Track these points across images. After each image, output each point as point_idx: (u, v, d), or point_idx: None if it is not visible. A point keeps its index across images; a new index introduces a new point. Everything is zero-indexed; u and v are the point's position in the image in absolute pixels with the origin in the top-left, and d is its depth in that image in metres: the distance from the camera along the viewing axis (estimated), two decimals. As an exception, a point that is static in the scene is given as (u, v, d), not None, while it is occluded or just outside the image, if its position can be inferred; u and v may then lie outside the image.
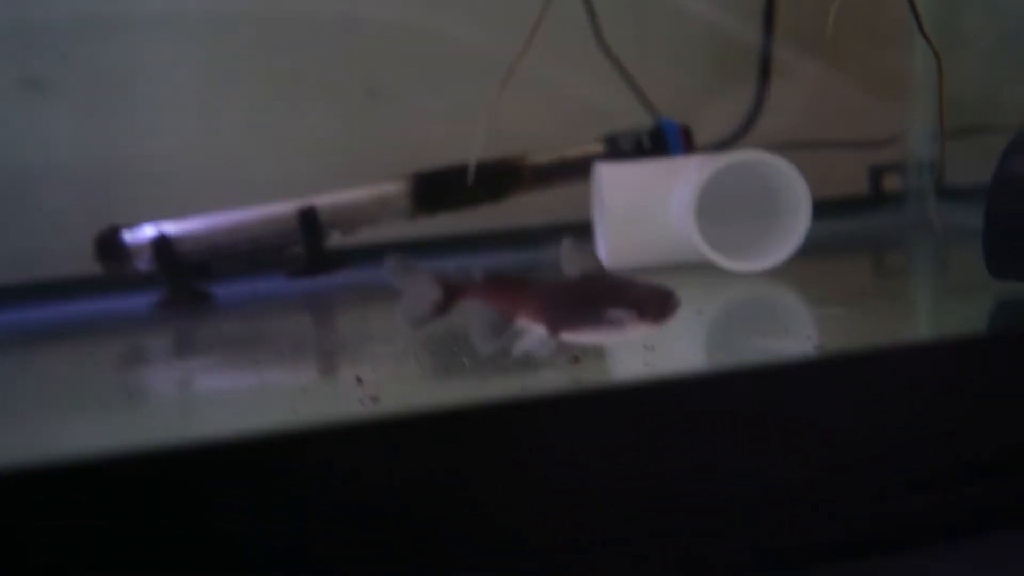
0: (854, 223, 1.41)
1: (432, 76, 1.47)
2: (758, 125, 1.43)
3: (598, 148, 1.34)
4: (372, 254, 1.39)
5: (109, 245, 1.22)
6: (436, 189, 1.32)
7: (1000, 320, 0.72)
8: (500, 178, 1.34)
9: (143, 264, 1.22)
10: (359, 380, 0.70)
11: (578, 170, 1.31)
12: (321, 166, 1.40)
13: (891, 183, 1.46)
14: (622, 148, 1.33)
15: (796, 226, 1.01)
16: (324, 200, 1.29)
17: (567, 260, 0.61)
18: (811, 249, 1.03)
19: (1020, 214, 0.67)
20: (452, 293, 0.60)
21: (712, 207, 1.05)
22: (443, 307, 0.60)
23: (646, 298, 0.57)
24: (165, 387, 0.80)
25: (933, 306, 0.90)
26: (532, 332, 0.60)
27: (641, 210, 1.13)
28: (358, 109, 1.47)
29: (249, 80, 1.44)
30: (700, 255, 1.02)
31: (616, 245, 1.14)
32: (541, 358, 0.60)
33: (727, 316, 0.90)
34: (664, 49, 1.52)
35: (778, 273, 1.02)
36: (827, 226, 1.11)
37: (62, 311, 1.27)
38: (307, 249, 1.27)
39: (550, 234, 1.41)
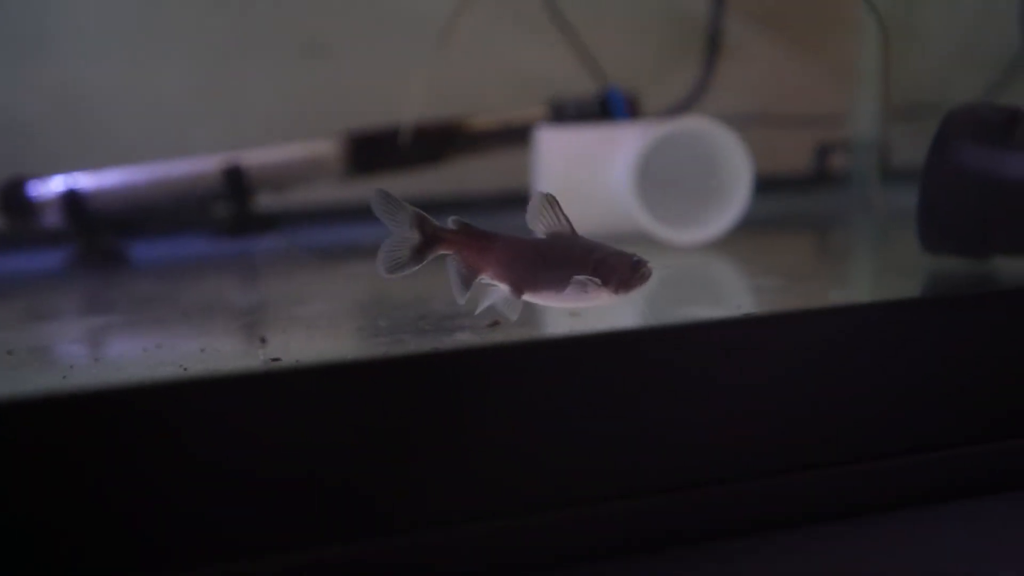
0: (798, 201, 1.40)
1: (372, 32, 1.40)
2: (706, 99, 1.40)
3: (540, 112, 1.29)
4: (304, 217, 1.35)
5: (13, 198, 1.14)
6: (371, 150, 1.27)
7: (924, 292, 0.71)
8: (439, 141, 1.29)
9: (52, 219, 1.14)
10: (263, 340, 0.66)
11: (521, 135, 1.26)
12: (255, 122, 1.33)
13: (836, 162, 1.45)
14: (567, 113, 1.30)
15: (736, 198, 0.98)
16: (252, 158, 1.22)
17: (533, 216, 0.57)
18: (753, 225, 1.01)
19: (951, 190, 0.66)
20: (430, 240, 0.56)
21: (653, 177, 1.01)
22: (420, 253, 0.56)
23: (613, 266, 0.55)
24: (53, 346, 0.75)
25: (867, 280, 0.89)
26: (497, 291, 0.58)
27: (580, 177, 1.09)
28: (294, 64, 1.40)
29: (182, 32, 1.36)
30: (639, 225, 0.99)
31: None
32: (506, 318, 0.57)
33: (661, 286, 0.87)
34: (616, 17, 1.48)
35: (717, 246, 0.99)
36: (771, 203, 1.09)
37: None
38: (233, 209, 1.21)
39: (495, 202, 1.39)
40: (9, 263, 1.20)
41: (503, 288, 0.58)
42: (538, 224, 0.58)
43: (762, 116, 1.37)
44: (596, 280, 0.54)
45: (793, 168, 1.45)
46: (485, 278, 0.58)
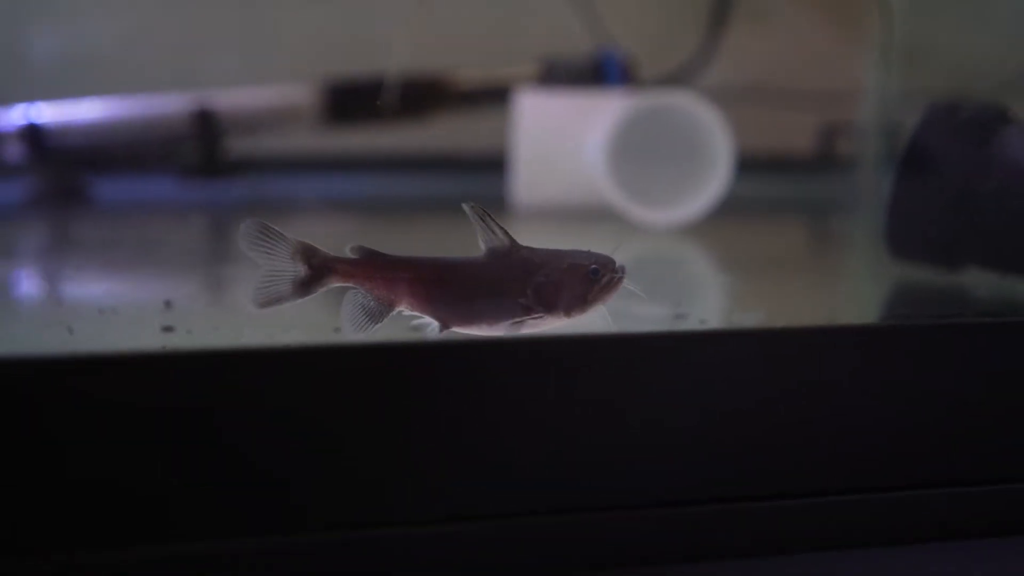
0: (798, 185, 1.32)
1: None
2: (709, 68, 1.32)
3: (530, 71, 1.22)
4: (279, 165, 1.31)
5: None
6: (350, 100, 1.21)
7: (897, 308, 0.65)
8: (422, 96, 1.23)
9: (10, 152, 1.11)
10: (167, 304, 0.62)
11: (507, 93, 1.20)
12: (226, 60, 1.27)
13: (843, 145, 1.37)
14: (558, 75, 1.22)
15: (713, 180, 0.92)
16: (223, 99, 1.17)
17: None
18: (740, 207, 0.95)
19: (922, 193, 0.60)
20: (319, 271, 0.48)
21: (629, 152, 0.95)
22: (305, 286, 0.48)
23: (559, 286, 0.46)
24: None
25: (844, 284, 0.82)
26: (422, 324, 0.49)
27: (558, 147, 1.03)
28: (275, 3, 1.33)
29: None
30: (607, 200, 0.93)
31: (530, 183, 1.05)
32: None
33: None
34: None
35: (693, 231, 0.93)
36: (765, 184, 1.02)
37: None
38: (201, 151, 1.17)
39: (480, 162, 1.33)
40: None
41: (427, 321, 0.49)
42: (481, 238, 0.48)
43: (766, 92, 1.29)
44: (538, 310, 0.46)
45: (798, 149, 1.37)
46: (405, 310, 0.49)
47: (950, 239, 0.61)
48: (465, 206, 0.48)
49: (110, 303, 0.64)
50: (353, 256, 0.48)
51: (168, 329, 0.56)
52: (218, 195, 1.19)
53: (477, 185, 1.27)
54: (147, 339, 0.54)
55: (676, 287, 0.73)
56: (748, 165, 0.99)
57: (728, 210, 0.95)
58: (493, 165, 1.22)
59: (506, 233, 0.47)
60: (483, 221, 0.47)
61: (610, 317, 0.49)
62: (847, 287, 0.77)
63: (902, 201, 0.62)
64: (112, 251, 0.89)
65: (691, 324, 0.58)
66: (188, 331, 0.56)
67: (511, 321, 0.47)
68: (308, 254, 0.48)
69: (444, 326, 0.48)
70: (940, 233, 0.61)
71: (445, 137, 1.29)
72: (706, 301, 0.68)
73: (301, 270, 0.48)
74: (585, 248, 0.49)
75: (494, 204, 1.14)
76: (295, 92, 1.21)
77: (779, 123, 1.27)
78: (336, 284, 0.49)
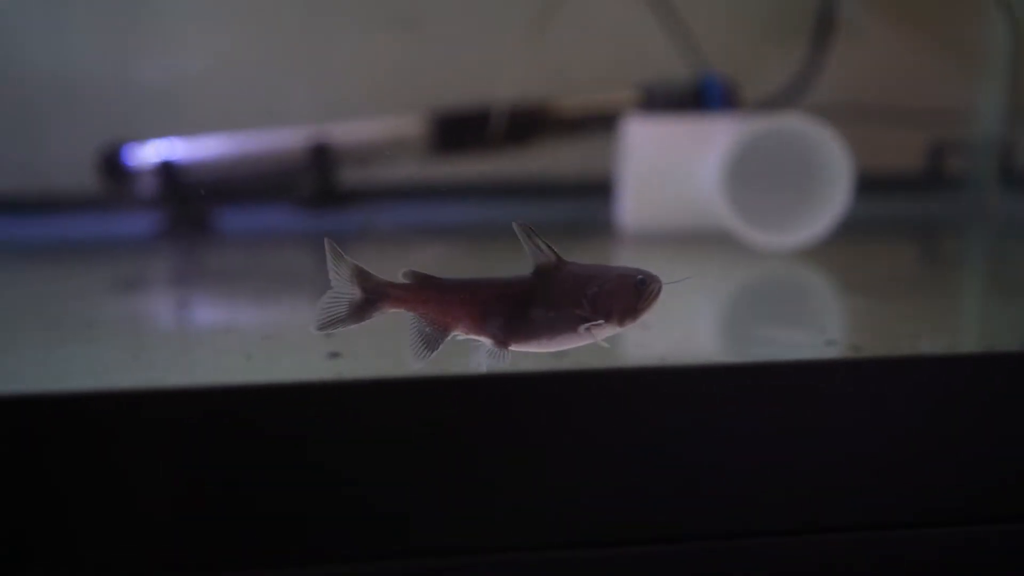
0: (905, 204, 1.30)
1: (468, 8, 1.38)
2: (812, 87, 1.31)
3: (631, 97, 1.24)
4: (387, 194, 1.35)
5: (110, 165, 1.18)
6: (457, 130, 1.25)
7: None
8: (526, 123, 1.26)
9: (146, 187, 1.18)
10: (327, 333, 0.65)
11: (609, 120, 1.22)
12: (347, 95, 1.33)
13: (952, 163, 1.34)
14: (659, 100, 1.24)
15: (832, 203, 0.92)
16: (338, 132, 1.23)
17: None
18: (853, 229, 0.94)
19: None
20: (373, 296, 0.49)
21: (744, 175, 0.96)
22: (360, 311, 0.49)
23: (613, 296, 0.47)
24: (132, 321, 0.76)
25: (976, 307, 0.81)
26: (479, 347, 0.50)
27: (668, 172, 1.04)
28: (390, 38, 1.39)
29: (282, 2, 1.37)
30: (726, 225, 0.94)
31: (638, 208, 1.06)
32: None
33: (739, 297, 0.82)
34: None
35: (808, 253, 0.93)
36: (874, 205, 1.01)
37: (65, 226, 1.24)
38: (317, 183, 1.22)
39: (577, 189, 1.36)
40: (99, 226, 1.25)
41: (484, 343, 0.50)
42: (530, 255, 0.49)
43: (872, 110, 1.27)
44: (596, 319, 0.47)
45: (904, 168, 1.34)
46: (460, 335, 0.50)
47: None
48: (514, 224, 0.48)
49: (267, 330, 0.68)
50: (406, 281, 0.49)
51: (335, 355, 0.58)
52: (333, 224, 1.24)
53: (581, 210, 1.29)
54: (317, 365, 0.57)
55: (810, 311, 0.73)
56: (856, 185, 0.98)
57: (837, 231, 0.94)
58: (595, 190, 1.25)
59: (552, 249, 0.48)
60: (530, 239, 0.48)
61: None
62: (986, 308, 0.75)
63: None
64: (245, 279, 0.93)
65: (842, 351, 0.58)
66: (354, 356, 0.59)
67: (570, 333, 0.48)
68: (362, 278, 0.49)
69: (501, 346, 0.49)
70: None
71: (549, 164, 1.32)
72: (846, 326, 0.68)
73: (356, 294, 0.49)
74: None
75: (600, 229, 1.16)
76: (405, 123, 1.25)
77: (886, 142, 1.25)
78: (391, 309, 0.49)
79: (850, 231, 0.94)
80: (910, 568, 0.46)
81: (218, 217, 1.23)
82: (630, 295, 0.47)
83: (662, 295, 0.49)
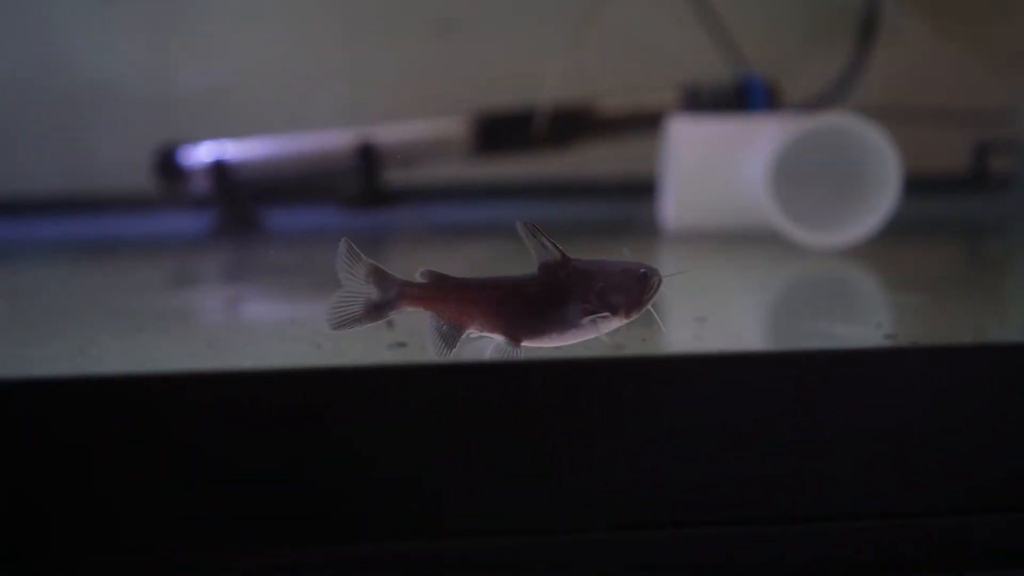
0: (950, 204, 1.29)
1: (508, 12, 1.40)
2: (855, 87, 1.31)
3: (673, 98, 1.25)
4: (430, 193, 1.37)
5: (165, 165, 1.21)
6: (499, 131, 1.26)
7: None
8: (567, 124, 1.27)
9: (200, 186, 1.21)
10: (389, 323, 0.67)
11: (651, 121, 1.23)
12: (390, 98, 1.35)
13: (997, 162, 1.33)
14: (701, 101, 1.25)
15: (881, 201, 0.92)
16: (383, 133, 1.25)
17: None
18: (896, 229, 0.94)
19: None
20: (388, 298, 0.50)
21: (789, 174, 0.96)
22: (377, 310, 0.50)
23: (619, 290, 0.48)
24: (199, 313, 0.79)
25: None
26: (492, 343, 0.51)
27: (712, 171, 1.05)
28: (430, 42, 1.41)
29: (324, 6, 1.40)
30: (771, 224, 0.94)
31: (682, 207, 1.07)
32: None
33: (789, 294, 0.82)
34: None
35: (854, 252, 0.93)
36: (919, 205, 1.01)
37: (117, 225, 1.27)
38: (363, 182, 1.24)
39: (618, 188, 1.36)
40: (150, 224, 1.28)
41: (497, 340, 0.51)
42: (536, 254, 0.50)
43: (915, 110, 1.27)
44: (604, 313, 0.48)
45: (949, 168, 1.34)
46: (474, 332, 0.51)
47: None
48: (518, 224, 0.49)
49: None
50: (423, 280, 0.50)
51: (401, 344, 0.60)
52: (378, 222, 1.26)
53: (621, 210, 1.30)
54: (382, 353, 0.59)
55: (863, 307, 0.74)
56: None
57: (881, 231, 0.94)
58: (636, 190, 1.26)
59: (557, 247, 0.49)
60: (535, 238, 0.49)
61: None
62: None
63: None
64: (300, 274, 0.95)
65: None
66: (421, 347, 0.60)
67: (579, 327, 0.49)
68: (379, 278, 0.50)
69: (514, 342, 0.50)
70: None
71: (590, 163, 1.33)
72: (902, 321, 0.68)
73: (373, 293, 0.50)
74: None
75: (642, 228, 1.17)
76: (448, 125, 1.27)
77: (930, 142, 1.25)
78: (407, 308, 0.50)
79: (894, 231, 0.94)
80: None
81: (266, 216, 1.25)
82: (635, 288, 0.48)
83: (665, 288, 0.49)
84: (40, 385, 0.45)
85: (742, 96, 1.24)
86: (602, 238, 1.12)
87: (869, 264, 0.93)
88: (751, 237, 1.01)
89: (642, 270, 0.49)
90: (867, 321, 0.67)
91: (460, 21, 1.41)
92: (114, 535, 0.46)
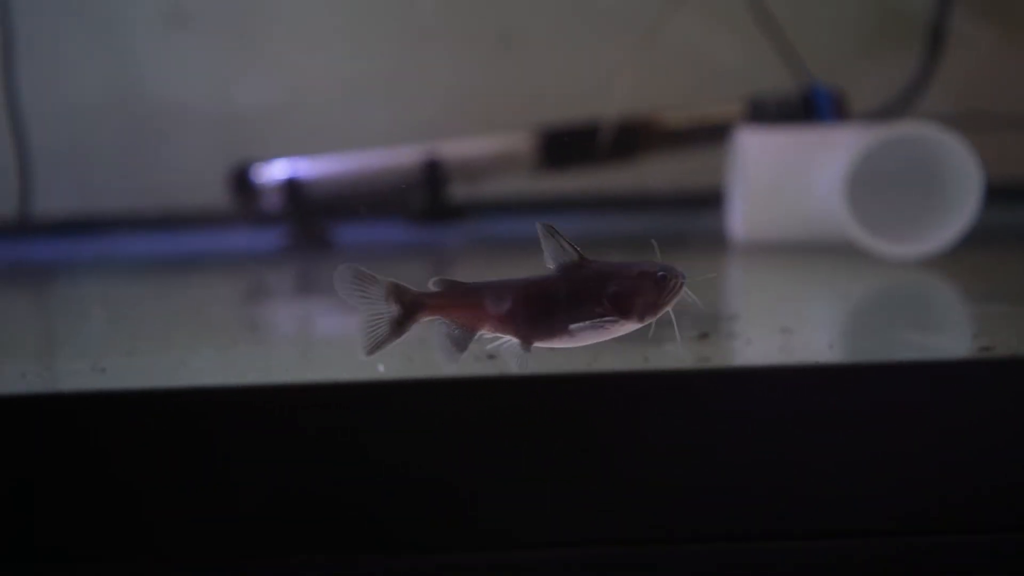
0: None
1: (567, 26, 1.41)
2: (923, 96, 1.29)
3: (738, 109, 1.24)
4: (494, 208, 1.39)
5: (239, 183, 1.25)
6: (564, 145, 1.27)
7: None
8: (632, 137, 1.28)
9: (272, 203, 1.24)
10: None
11: (716, 133, 1.22)
12: (450, 113, 1.37)
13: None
14: (766, 112, 1.24)
15: (961, 210, 0.90)
16: (449, 149, 1.27)
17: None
18: (975, 238, 0.92)
19: None
20: (410, 308, 0.50)
21: (864, 184, 0.95)
22: (400, 325, 0.51)
23: (633, 293, 0.48)
24: (285, 325, 0.81)
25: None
26: (505, 345, 0.51)
27: (785, 183, 1.04)
28: (490, 56, 1.43)
29: (384, 23, 1.43)
30: (846, 235, 0.93)
31: (753, 219, 1.07)
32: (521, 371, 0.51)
33: (874, 305, 0.82)
34: (821, 10, 1.39)
35: (934, 262, 0.92)
36: (996, 213, 0.99)
37: (192, 241, 1.31)
38: (428, 198, 1.26)
39: (679, 201, 1.36)
40: (222, 240, 1.32)
41: (509, 342, 0.51)
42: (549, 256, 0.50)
43: (987, 117, 1.24)
44: (613, 318, 0.48)
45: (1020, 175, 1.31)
46: (487, 334, 0.51)
47: None
48: (537, 224, 0.50)
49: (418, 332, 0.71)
50: (438, 289, 0.50)
51: (491, 357, 0.61)
52: (444, 237, 1.28)
53: (685, 222, 1.30)
54: (473, 366, 0.60)
55: (952, 318, 0.73)
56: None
57: (959, 240, 0.93)
58: (695, 202, 1.25)
59: (575, 248, 0.49)
60: (553, 238, 0.49)
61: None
62: None
63: None
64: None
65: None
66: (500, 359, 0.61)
67: (593, 329, 0.48)
68: (399, 293, 0.50)
69: (527, 344, 0.50)
70: None
71: (656, 176, 1.33)
72: (995, 332, 0.67)
73: (394, 310, 0.50)
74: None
75: (709, 240, 1.17)
76: (513, 139, 1.28)
77: (1003, 149, 1.22)
78: (427, 318, 0.50)
79: (971, 240, 0.92)
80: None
81: (335, 231, 1.28)
82: (651, 290, 0.48)
83: (684, 289, 0.48)
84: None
85: (809, 107, 1.23)
86: (670, 251, 1.11)
87: (949, 274, 0.91)
88: (822, 248, 1.00)
89: (660, 272, 0.48)
90: (960, 332, 0.66)
91: (522, 35, 1.42)
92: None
